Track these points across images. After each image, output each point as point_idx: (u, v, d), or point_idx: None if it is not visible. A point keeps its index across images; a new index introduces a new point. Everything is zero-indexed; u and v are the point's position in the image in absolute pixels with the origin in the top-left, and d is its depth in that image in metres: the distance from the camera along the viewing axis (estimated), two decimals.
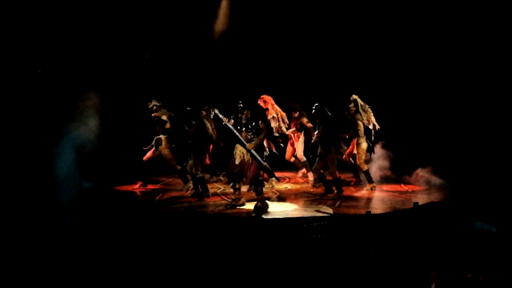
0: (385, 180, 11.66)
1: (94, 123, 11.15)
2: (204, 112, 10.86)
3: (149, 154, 11.22)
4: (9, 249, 8.47)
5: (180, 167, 11.16)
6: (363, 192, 10.87)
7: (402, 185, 11.37)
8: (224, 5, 13.04)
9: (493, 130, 11.98)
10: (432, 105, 12.79)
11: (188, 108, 10.43)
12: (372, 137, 11.00)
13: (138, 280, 7.71)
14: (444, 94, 12.66)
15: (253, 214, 9.03)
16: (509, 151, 11.60)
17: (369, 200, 10.33)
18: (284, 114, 11.16)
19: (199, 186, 10.40)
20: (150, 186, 11.48)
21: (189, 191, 10.76)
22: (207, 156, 11.36)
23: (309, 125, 11.53)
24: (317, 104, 10.50)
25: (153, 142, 11.19)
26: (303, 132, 11.75)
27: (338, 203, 9.93)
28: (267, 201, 9.35)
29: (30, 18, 11.42)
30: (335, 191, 10.52)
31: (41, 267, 7.94)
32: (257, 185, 9.16)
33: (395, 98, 13.10)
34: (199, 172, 10.28)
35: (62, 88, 11.48)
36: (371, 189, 10.94)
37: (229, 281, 7.68)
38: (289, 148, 11.91)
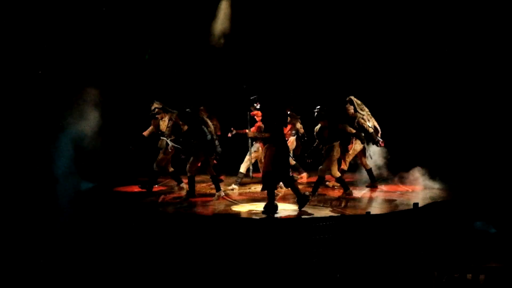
0: (383, 180, 11.68)
1: (95, 123, 11.16)
2: (203, 112, 10.87)
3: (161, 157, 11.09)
4: (8, 250, 8.50)
5: (173, 169, 11.20)
6: (363, 193, 10.90)
7: (402, 185, 11.39)
8: (223, 6, 13.05)
9: (493, 130, 12.01)
10: (432, 104, 12.82)
11: (188, 110, 10.45)
12: (379, 136, 10.96)
13: (141, 282, 7.74)
14: (445, 94, 12.69)
15: (264, 215, 9.04)
16: (509, 151, 11.63)
17: (368, 200, 10.35)
18: None
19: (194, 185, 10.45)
20: (155, 188, 11.44)
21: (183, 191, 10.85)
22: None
23: (302, 130, 11.56)
24: (319, 106, 10.48)
25: (169, 144, 11.03)
26: (296, 137, 11.78)
27: (338, 203, 9.97)
28: (276, 202, 9.35)
29: (33, 18, 11.44)
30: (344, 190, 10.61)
31: (41, 269, 7.96)
32: (267, 184, 9.19)
33: (394, 98, 13.14)
34: (192, 173, 10.32)
35: (63, 88, 11.49)
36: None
37: (230, 281, 7.71)
38: None
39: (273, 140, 9.14)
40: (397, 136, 12.48)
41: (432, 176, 11.08)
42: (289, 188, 9.42)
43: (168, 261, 8.14)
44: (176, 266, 8.04)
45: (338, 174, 10.51)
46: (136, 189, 11.32)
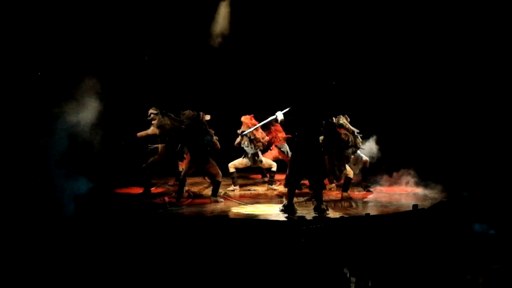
0: (380, 181, 11.72)
1: (94, 123, 11.16)
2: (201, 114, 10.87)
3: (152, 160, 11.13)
4: (6, 251, 8.53)
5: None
6: (361, 194, 10.94)
7: (400, 186, 11.41)
8: (223, 8, 13.09)
9: (493, 131, 12.04)
10: (430, 104, 12.85)
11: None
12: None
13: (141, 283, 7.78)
14: (445, 94, 12.72)
15: (285, 215, 9.15)
16: (508, 152, 11.66)
17: (367, 202, 10.39)
18: (258, 135, 11.10)
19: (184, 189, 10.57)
20: (153, 190, 11.47)
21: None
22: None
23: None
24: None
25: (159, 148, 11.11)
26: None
27: (336, 205, 10.01)
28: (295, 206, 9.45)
29: (32, 19, 11.43)
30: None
31: (41, 270, 7.99)
32: (286, 182, 9.34)
33: (392, 98, 13.18)
34: (185, 177, 10.42)
35: (61, 88, 11.49)
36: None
37: (229, 282, 7.75)
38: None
39: (296, 135, 9.35)
40: (396, 137, 12.55)
41: (431, 177, 11.12)
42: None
43: (169, 263, 8.17)
44: (177, 268, 8.07)
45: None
46: (136, 190, 11.34)
